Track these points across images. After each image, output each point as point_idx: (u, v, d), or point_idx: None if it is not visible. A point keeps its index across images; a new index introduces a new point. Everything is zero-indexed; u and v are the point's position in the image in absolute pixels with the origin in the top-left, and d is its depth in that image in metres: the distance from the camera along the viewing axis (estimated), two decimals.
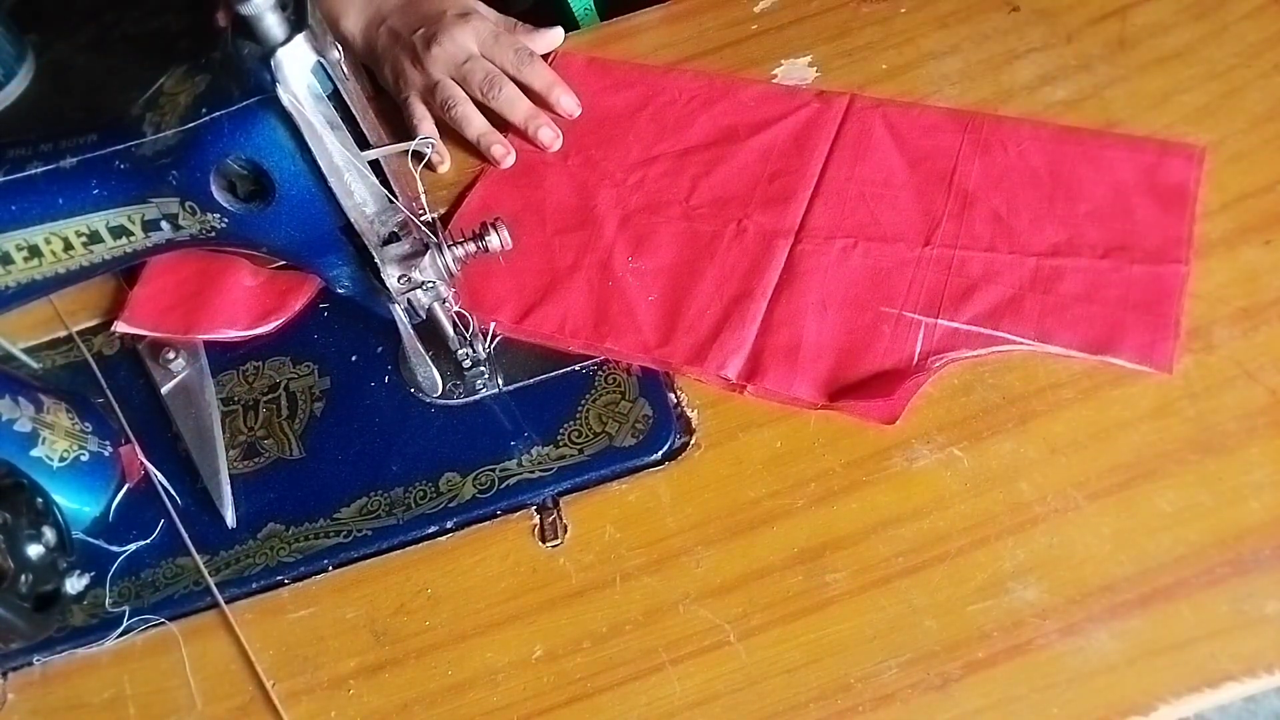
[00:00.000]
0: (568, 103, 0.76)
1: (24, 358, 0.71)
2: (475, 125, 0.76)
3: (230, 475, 0.64)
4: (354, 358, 0.69)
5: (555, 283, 0.68)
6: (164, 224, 0.52)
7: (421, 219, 0.54)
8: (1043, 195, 0.66)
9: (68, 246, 0.53)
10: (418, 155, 0.52)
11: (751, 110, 0.74)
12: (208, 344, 0.70)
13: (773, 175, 0.70)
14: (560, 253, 0.69)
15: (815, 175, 0.70)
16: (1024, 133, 0.69)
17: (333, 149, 0.49)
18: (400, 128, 0.77)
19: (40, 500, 0.60)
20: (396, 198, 0.53)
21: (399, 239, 0.55)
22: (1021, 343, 0.61)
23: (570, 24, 0.85)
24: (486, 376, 0.65)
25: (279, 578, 0.61)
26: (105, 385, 0.69)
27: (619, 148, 0.74)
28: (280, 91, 0.46)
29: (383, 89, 0.80)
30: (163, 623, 0.61)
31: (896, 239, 0.66)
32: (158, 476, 0.65)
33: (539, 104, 0.76)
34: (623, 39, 0.81)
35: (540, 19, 0.81)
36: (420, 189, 0.53)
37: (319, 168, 0.50)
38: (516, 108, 0.76)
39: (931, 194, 0.68)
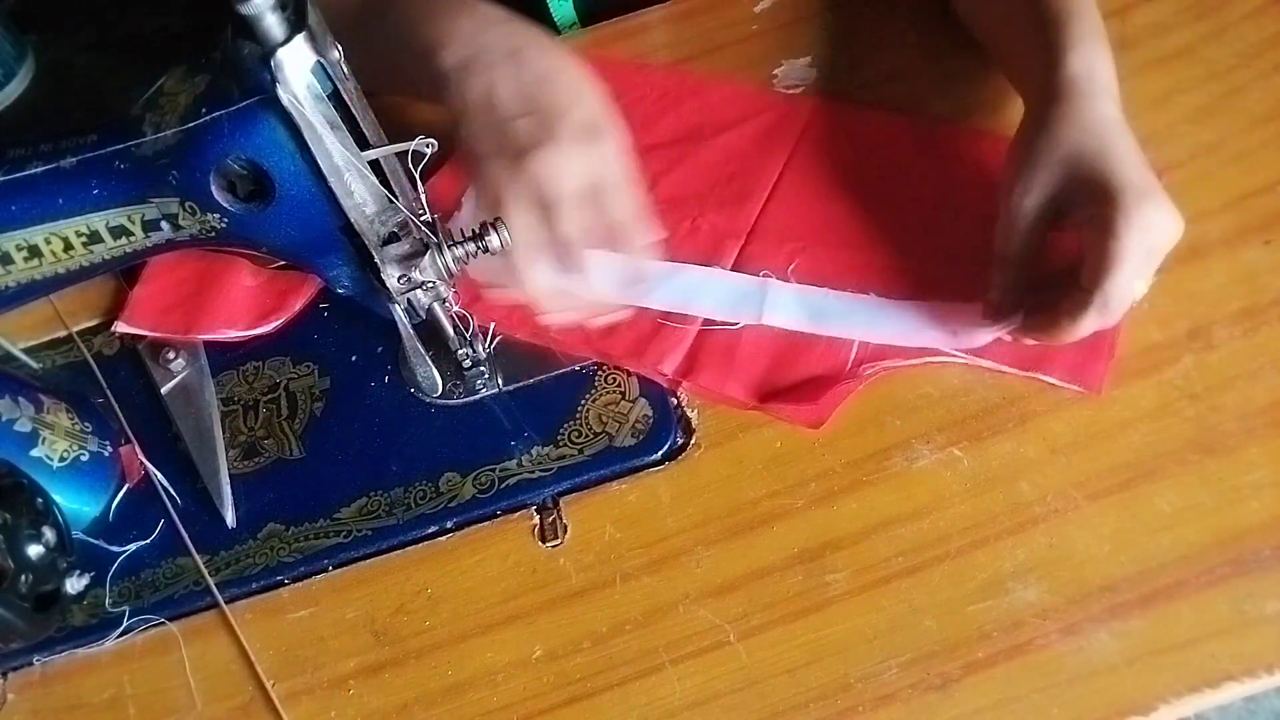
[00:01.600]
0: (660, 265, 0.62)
1: (24, 358, 0.70)
2: (530, 282, 0.60)
3: (230, 475, 0.64)
4: (354, 358, 0.69)
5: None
6: (164, 224, 0.52)
7: (421, 219, 0.54)
8: (988, 208, 0.66)
9: (68, 246, 0.53)
10: (418, 155, 0.52)
11: (718, 110, 0.74)
12: (208, 344, 0.70)
13: (731, 176, 0.70)
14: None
15: (773, 178, 0.70)
16: (984, 145, 0.69)
17: (333, 149, 0.49)
18: (401, 128, 0.76)
19: (40, 500, 0.60)
20: (397, 198, 0.53)
21: (399, 239, 0.55)
22: (954, 356, 0.61)
23: (550, 30, 0.84)
24: (486, 376, 0.65)
25: (279, 578, 0.61)
26: (105, 385, 0.69)
27: None
28: (280, 91, 0.46)
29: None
30: (163, 623, 0.61)
31: (846, 245, 0.66)
32: (158, 476, 0.65)
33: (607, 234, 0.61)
34: (623, 39, 0.81)
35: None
36: (420, 189, 0.53)
37: (319, 168, 0.50)
38: (579, 306, 0.63)
39: (886, 202, 0.68)
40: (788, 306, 0.64)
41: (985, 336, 0.61)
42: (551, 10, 0.83)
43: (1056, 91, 0.58)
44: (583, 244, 0.58)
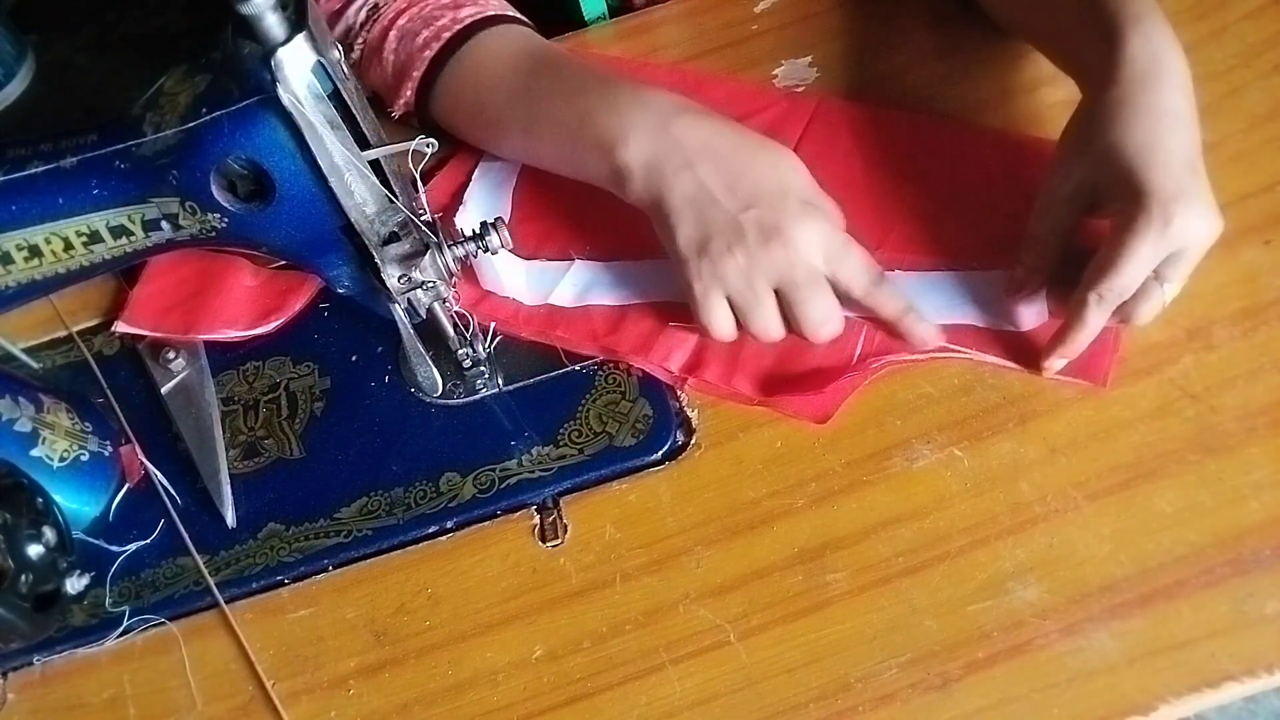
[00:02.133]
0: (924, 331, 0.61)
1: (24, 358, 0.70)
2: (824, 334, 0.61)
3: (230, 475, 0.64)
4: (354, 358, 0.69)
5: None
6: (164, 224, 0.52)
7: (421, 219, 0.54)
8: (994, 205, 0.66)
9: (68, 246, 0.53)
10: (418, 155, 0.52)
11: (720, 108, 0.73)
12: (208, 344, 0.70)
13: None
14: (519, 241, 0.69)
15: None
16: (985, 143, 0.69)
17: (333, 149, 0.49)
18: (401, 129, 0.76)
19: (40, 500, 0.60)
20: (396, 198, 0.53)
21: (399, 239, 0.55)
22: (959, 351, 0.61)
23: (577, 22, 0.84)
24: (486, 376, 0.65)
25: (279, 578, 0.61)
26: (105, 385, 0.69)
27: None
28: (280, 91, 0.46)
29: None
30: (163, 623, 0.61)
31: None
32: (158, 476, 0.65)
33: (881, 328, 0.62)
34: (622, 39, 0.81)
35: (548, 16, 0.81)
36: (420, 189, 0.53)
37: (319, 168, 0.50)
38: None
39: (888, 199, 0.68)
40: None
41: (1030, 318, 0.61)
42: (581, 3, 0.83)
43: (1114, 78, 0.56)
44: (838, 320, 0.60)
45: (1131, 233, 0.54)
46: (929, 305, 0.62)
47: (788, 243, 0.58)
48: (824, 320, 0.59)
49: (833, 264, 0.59)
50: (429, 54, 0.69)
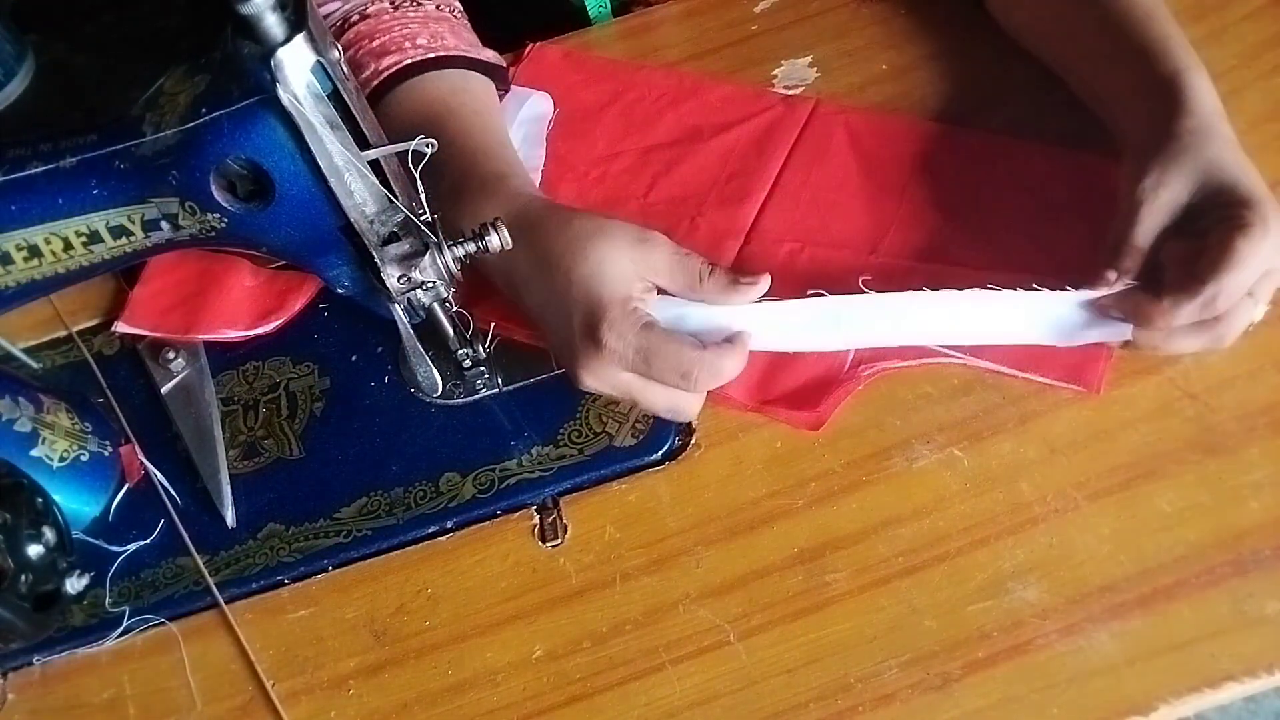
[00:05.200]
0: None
1: (24, 358, 0.70)
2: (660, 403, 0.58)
3: (230, 475, 0.64)
4: (354, 358, 0.69)
5: None
6: (164, 224, 0.52)
7: (421, 219, 0.54)
8: (988, 210, 0.66)
9: (68, 246, 0.53)
10: (418, 155, 0.52)
11: (717, 111, 0.74)
12: (208, 344, 0.70)
13: (730, 176, 0.71)
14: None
15: (771, 178, 0.70)
16: (983, 146, 0.69)
17: (333, 149, 0.49)
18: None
19: (40, 500, 0.60)
20: (396, 198, 0.53)
21: (399, 239, 0.55)
22: (953, 356, 0.61)
23: (582, 20, 0.84)
24: (486, 376, 0.65)
25: (279, 578, 0.61)
26: (105, 385, 0.69)
27: (585, 141, 0.74)
28: (280, 91, 0.46)
29: None
30: (163, 623, 0.61)
31: (843, 246, 0.66)
32: (158, 476, 0.65)
33: None
34: (622, 39, 0.81)
35: (550, 15, 0.80)
36: (420, 189, 0.53)
37: (319, 168, 0.50)
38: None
39: (883, 203, 0.68)
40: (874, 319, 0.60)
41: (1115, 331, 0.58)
42: (587, 3, 0.83)
43: (1191, 110, 0.58)
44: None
45: (1247, 237, 0.53)
46: (998, 327, 0.60)
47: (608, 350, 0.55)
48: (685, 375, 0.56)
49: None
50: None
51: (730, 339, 0.58)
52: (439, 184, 0.61)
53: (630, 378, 0.56)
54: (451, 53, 0.70)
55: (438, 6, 0.73)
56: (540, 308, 0.59)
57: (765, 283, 0.58)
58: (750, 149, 0.72)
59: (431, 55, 0.69)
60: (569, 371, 0.58)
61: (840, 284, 0.64)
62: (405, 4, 0.71)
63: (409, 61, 0.68)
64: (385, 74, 0.68)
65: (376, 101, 0.67)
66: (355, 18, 0.70)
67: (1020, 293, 0.59)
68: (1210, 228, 0.55)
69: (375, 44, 0.68)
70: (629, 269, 0.57)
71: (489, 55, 0.73)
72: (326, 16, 0.69)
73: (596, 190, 0.72)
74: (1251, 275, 0.54)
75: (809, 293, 0.60)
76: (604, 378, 0.57)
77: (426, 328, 0.60)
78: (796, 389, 0.62)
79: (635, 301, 0.56)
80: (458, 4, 0.76)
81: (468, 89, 0.70)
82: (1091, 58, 0.66)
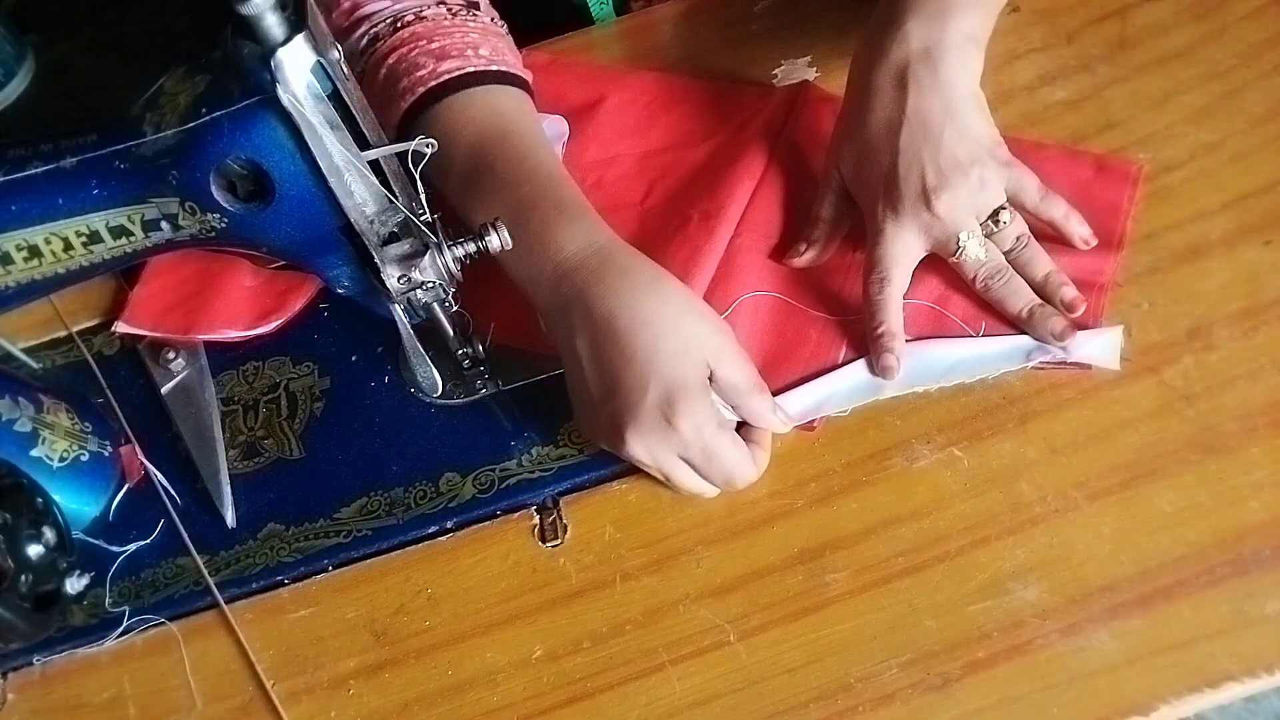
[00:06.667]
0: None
1: (24, 358, 0.71)
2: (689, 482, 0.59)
3: (230, 475, 0.64)
4: (354, 358, 0.69)
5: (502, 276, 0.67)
6: (164, 224, 0.52)
7: (421, 219, 0.54)
8: None
9: (68, 246, 0.53)
10: (418, 155, 0.52)
11: (710, 112, 0.74)
12: (208, 344, 0.70)
13: (722, 170, 0.70)
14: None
15: (760, 170, 0.69)
16: None
17: (333, 149, 0.49)
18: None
19: (40, 500, 0.60)
20: (396, 198, 0.53)
21: (399, 239, 0.55)
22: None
23: (584, 19, 0.84)
24: (486, 376, 0.65)
25: (279, 578, 0.61)
26: (105, 385, 0.69)
27: (575, 144, 0.74)
28: (280, 91, 0.46)
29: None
30: (163, 623, 0.61)
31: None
32: (158, 476, 0.65)
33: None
34: (623, 39, 0.81)
35: (552, 14, 0.80)
36: (420, 189, 0.53)
37: (319, 168, 0.50)
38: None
39: None
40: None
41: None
42: (590, 3, 0.83)
43: (886, 69, 0.61)
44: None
45: (872, 239, 0.62)
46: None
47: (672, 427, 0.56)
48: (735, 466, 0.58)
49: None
50: (404, 104, 0.66)
51: (757, 440, 0.60)
52: (499, 194, 0.62)
53: (679, 462, 0.57)
54: (514, 70, 0.68)
55: (492, 19, 0.72)
56: (594, 350, 0.58)
57: (800, 421, 0.61)
58: (742, 144, 0.71)
59: (494, 68, 0.67)
60: (613, 430, 0.57)
61: (828, 279, 0.65)
62: (462, 11, 0.69)
63: (472, 69, 0.66)
64: (445, 77, 0.66)
65: (431, 102, 0.65)
66: (410, 18, 0.68)
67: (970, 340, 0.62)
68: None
69: (434, 45, 0.67)
70: (707, 357, 0.57)
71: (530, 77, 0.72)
72: (371, 16, 0.68)
73: (593, 196, 0.70)
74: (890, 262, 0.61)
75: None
76: (656, 454, 0.57)
77: (426, 328, 0.60)
78: (790, 389, 0.62)
79: (711, 392, 0.58)
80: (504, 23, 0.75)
81: (530, 110, 0.68)
82: None
